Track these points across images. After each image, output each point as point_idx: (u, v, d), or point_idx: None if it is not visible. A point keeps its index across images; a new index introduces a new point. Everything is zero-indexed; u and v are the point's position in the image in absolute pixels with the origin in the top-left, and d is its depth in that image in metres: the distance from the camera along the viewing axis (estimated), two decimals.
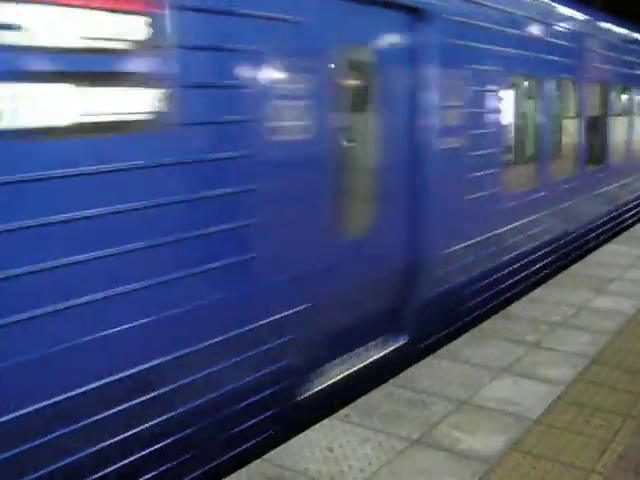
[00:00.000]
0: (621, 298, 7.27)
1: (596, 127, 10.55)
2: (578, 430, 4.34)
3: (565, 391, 4.91)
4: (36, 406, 3.16)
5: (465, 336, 6.12)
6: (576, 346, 5.83)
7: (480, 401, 4.77)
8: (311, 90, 4.46)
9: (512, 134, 7.88)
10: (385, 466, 3.93)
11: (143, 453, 3.72)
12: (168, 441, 3.85)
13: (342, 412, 4.63)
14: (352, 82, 5.10)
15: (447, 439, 4.24)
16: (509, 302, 7.41)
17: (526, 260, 8.13)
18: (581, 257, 9.63)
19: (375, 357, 5.62)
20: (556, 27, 8.60)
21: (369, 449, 4.13)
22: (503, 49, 6.86)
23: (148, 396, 3.67)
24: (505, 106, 7.19)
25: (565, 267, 9.06)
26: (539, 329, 6.29)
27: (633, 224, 12.70)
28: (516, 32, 7.22)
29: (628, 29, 12.13)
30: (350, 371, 5.37)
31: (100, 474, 3.50)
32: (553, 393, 4.88)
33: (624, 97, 12.29)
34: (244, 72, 4.02)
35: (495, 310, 7.04)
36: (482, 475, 3.82)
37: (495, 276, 7.29)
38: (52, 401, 3.21)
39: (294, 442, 4.22)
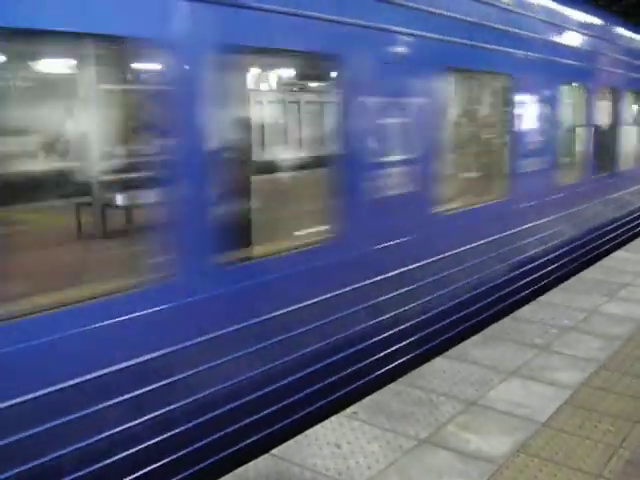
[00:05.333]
0: (632, 304, 7.25)
1: None
2: (586, 435, 4.34)
3: (574, 395, 4.91)
4: None
5: (475, 337, 6.12)
6: (586, 351, 5.82)
7: (488, 402, 4.78)
8: None
9: None
10: (393, 464, 3.95)
11: None
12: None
13: (350, 409, 4.65)
14: None
15: (455, 439, 4.25)
16: None
17: None
18: None
19: None
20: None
21: (377, 447, 4.15)
22: None
23: None
24: None
25: None
26: (549, 333, 6.29)
27: None
28: None
29: None
30: None
31: None
32: (561, 397, 4.88)
33: None
34: None
35: None
36: (489, 476, 3.83)
37: None
38: None
39: (302, 438, 4.25)
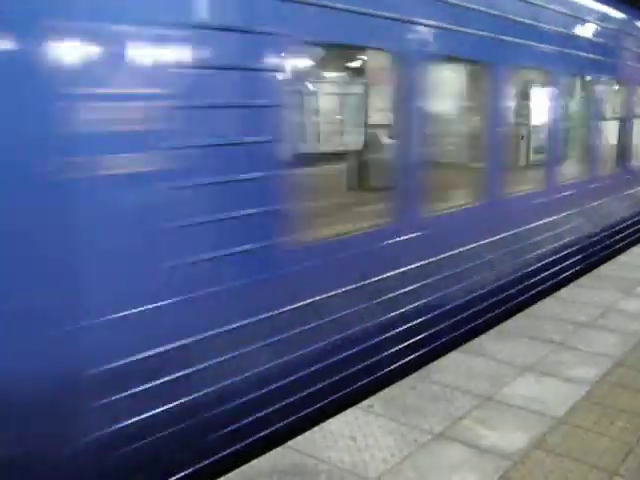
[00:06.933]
0: None
1: None
2: (602, 431, 4.32)
3: (590, 391, 4.89)
4: None
5: (490, 332, 6.11)
6: (602, 347, 5.79)
7: (504, 398, 4.77)
8: None
9: None
10: (407, 458, 3.95)
11: None
12: None
13: (365, 402, 4.65)
14: None
15: (470, 434, 4.25)
16: None
17: None
18: None
19: None
20: None
21: (392, 440, 4.15)
22: None
23: None
24: None
25: None
26: (565, 329, 6.26)
27: None
28: None
29: None
30: None
31: None
32: (577, 393, 4.86)
33: None
34: None
35: None
36: (504, 471, 3.83)
37: None
38: None
39: (317, 431, 4.26)
